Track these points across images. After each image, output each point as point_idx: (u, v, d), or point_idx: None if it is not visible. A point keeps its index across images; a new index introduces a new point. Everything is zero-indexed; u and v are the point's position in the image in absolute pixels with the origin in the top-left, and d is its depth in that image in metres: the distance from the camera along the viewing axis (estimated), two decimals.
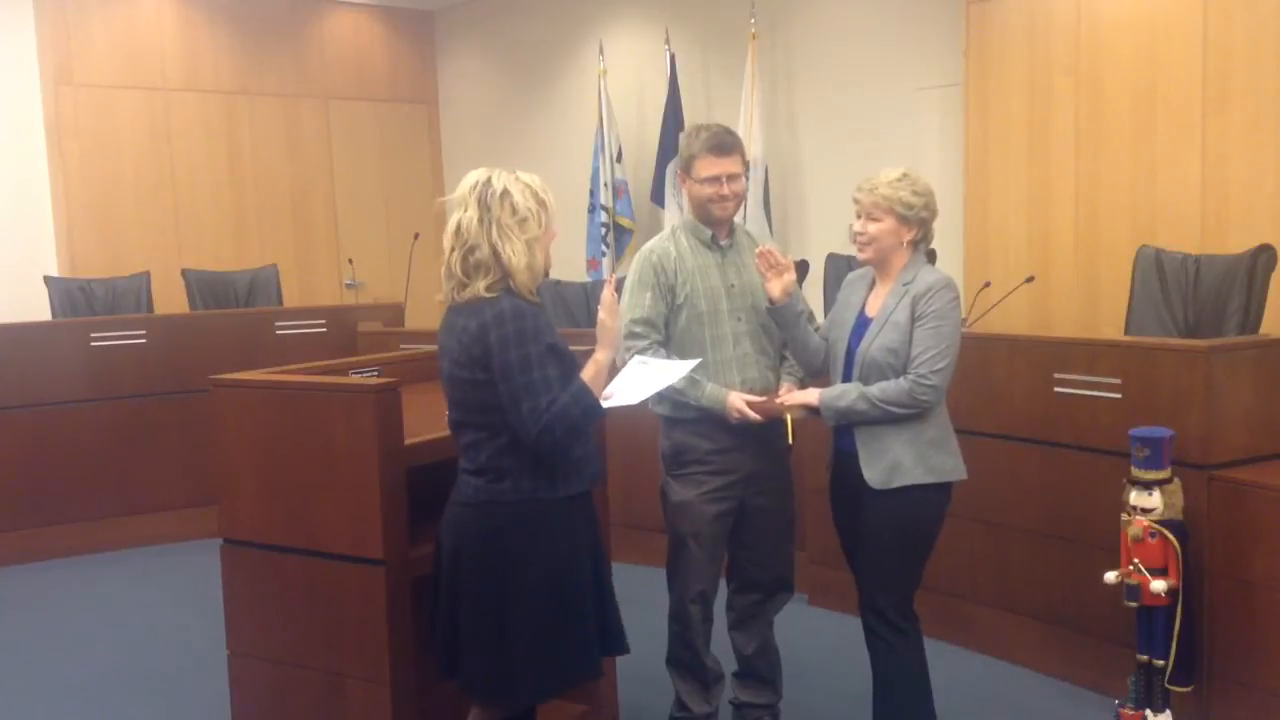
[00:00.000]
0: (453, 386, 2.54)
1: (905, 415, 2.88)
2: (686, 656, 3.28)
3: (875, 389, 2.89)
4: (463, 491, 2.58)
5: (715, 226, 3.24)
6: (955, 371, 2.94)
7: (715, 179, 3.17)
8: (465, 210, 2.49)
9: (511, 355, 2.42)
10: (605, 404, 2.58)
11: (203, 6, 7.90)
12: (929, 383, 2.86)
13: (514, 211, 2.48)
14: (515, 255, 2.47)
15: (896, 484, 2.90)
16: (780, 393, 3.15)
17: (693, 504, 3.18)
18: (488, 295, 2.47)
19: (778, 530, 3.32)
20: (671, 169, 6.46)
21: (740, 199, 3.27)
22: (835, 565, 3.55)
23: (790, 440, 3.33)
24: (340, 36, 8.60)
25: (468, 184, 2.52)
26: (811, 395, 3.01)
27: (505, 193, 2.49)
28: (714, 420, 3.12)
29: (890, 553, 2.97)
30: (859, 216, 3.01)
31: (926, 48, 6.02)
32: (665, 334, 3.19)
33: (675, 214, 6.44)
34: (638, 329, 3.15)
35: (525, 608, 2.51)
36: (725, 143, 3.18)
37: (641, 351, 3.07)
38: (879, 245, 2.98)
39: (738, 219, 3.38)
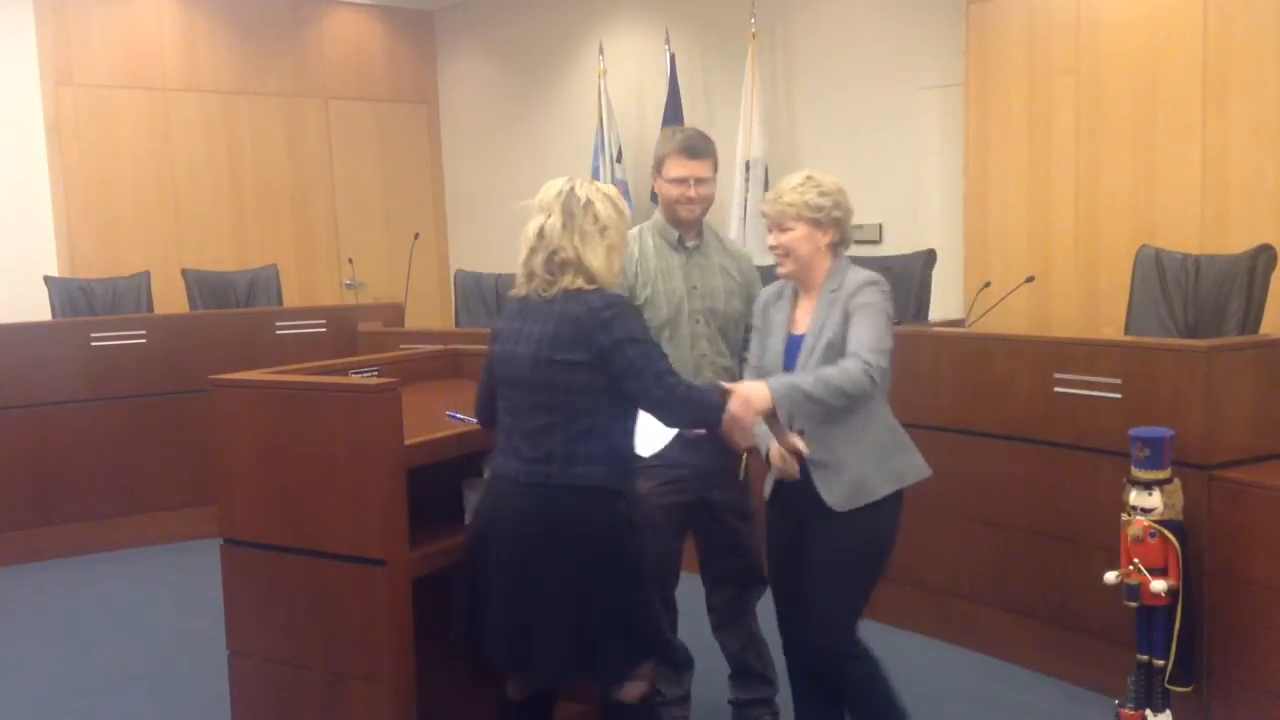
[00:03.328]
0: (535, 369, 2.60)
1: (846, 404, 2.72)
2: None
3: (825, 370, 2.75)
4: (526, 476, 2.62)
5: (682, 228, 3.29)
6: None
7: (683, 180, 3.23)
8: (549, 215, 2.64)
9: (623, 333, 2.57)
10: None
11: (203, 6, 7.90)
12: (876, 363, 2.72)
13: (596, 219, 2.64)
14: (597, 259, 2.63)
15: (863, 502, 2.82)
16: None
17: (647, 496, 3.18)
18: (586, 287, 2.61)
19: (740, 522, 3.37)
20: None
21: (707, 203, 3.31)
22: None
23: (742, 475, 3.34)
24: (340, 36, 8.60)
25: (552, 191, 2.67)
26: (758, 391, 2.74)
27: (589, 202, 2.64)
28: None
29: (853, 575, 2.88)
30: (770, 230, 2.92)
31: (926, 48, 6.02)
32: None
33: None
34: None
35: (605, 586, 2.60)
36: (697, 147, 3.25)
37: None
38: (796, 255, 2.89)
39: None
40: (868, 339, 2.75)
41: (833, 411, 2.75)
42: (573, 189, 2.66)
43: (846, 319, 2.81)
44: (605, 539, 2.62)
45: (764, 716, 3.47)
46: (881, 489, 2.84)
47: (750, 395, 2.68)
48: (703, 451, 3.18)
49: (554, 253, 2.62)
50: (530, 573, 2.59)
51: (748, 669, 3.45)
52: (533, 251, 2.65)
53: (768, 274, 3.22)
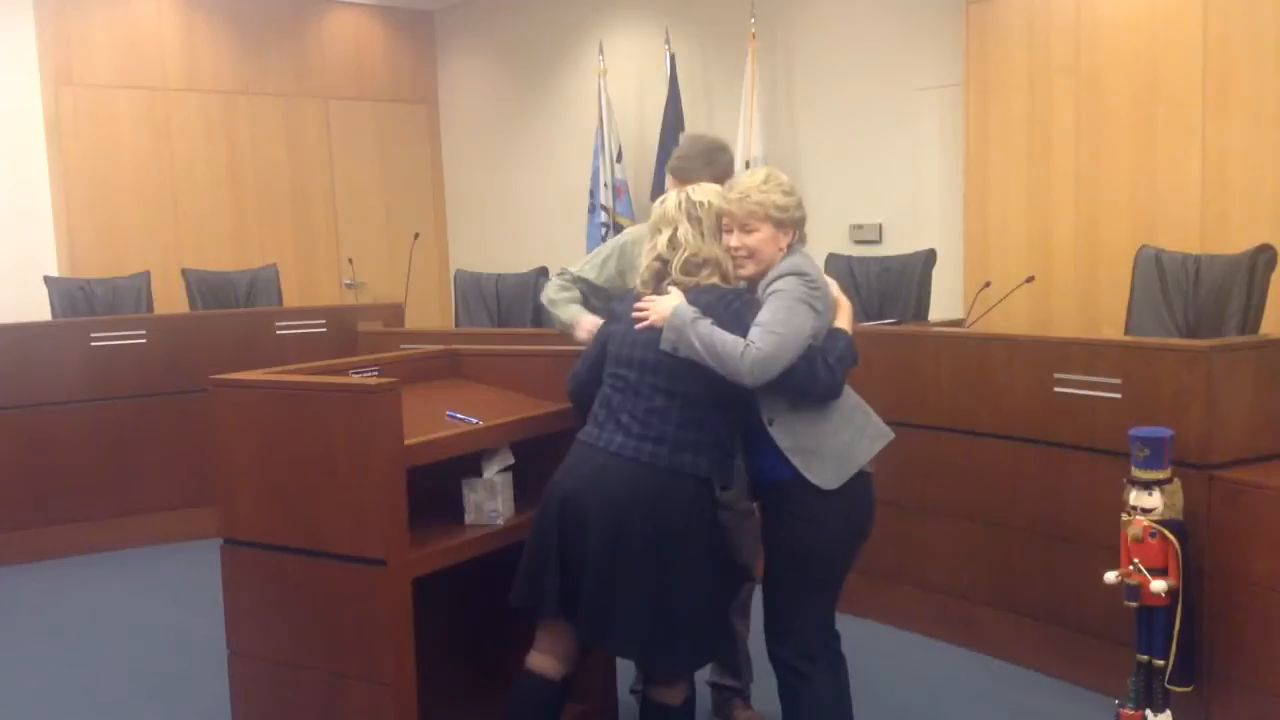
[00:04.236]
0: (660, 352, 2.69)
1: (717, 366, 2.61)
2: None
3: (716, 334, 2.62)
4: (633, 452, 2.68)
5: None
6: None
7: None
8: (678, 226, 2.81)
9: (749, 320, 2.67)
10: None
11: (203, 6, 7.90)
12: (756, 344, 2.58)
13: (717, 216, 2.81)
14: (724, 254, 2.80)
15: (849, 475, 2.73)
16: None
17: None
18: (721, 284, 2.77)
19: (733, 521, 3.32)
20: None
21: None
22: None
23: None
24: (340, 36, 8.60)
25: (672, 204, 2.85)
26: (674, 298, 2.73)
27: (709, 205, 2.81)
28: None
29: (787, 587, 2.79)
30: (730, 230, 2.79)
31: (926, 48, 6.02)
32: (587, 305, 3.42)
33: None
34: (565, 280, 3.47)
35: (694, 576, 2.67)
36: (687, 168, 3.27)
37: (551, 293, 3.46)
38: (759, 257, 2.78)
39: None
40: (761, 320, 2.63)
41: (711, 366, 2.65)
42: (687, 195, 2.83)
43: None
44: (704, 530, 2.71)
45: (736, 701, 3.56)
46: (859, 461, 2.78)
47: (662, 303, 2.73)
48: None
49: (692, 255, 2.78)
50: (624, 546, 2.64)
51: (723, 659, 3.49)
52: (662, 268, 2.81)
53: None
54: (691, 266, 2.78)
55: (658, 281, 2.83)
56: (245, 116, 8.11)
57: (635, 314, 2.80)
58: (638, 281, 2.90)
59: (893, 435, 2.89)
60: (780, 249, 2.80)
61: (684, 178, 3.21)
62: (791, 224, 2.81)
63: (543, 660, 2.84)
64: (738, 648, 3.54)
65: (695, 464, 2.70)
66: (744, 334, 2.63)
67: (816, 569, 2.81)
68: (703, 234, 2.80)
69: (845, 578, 2.90)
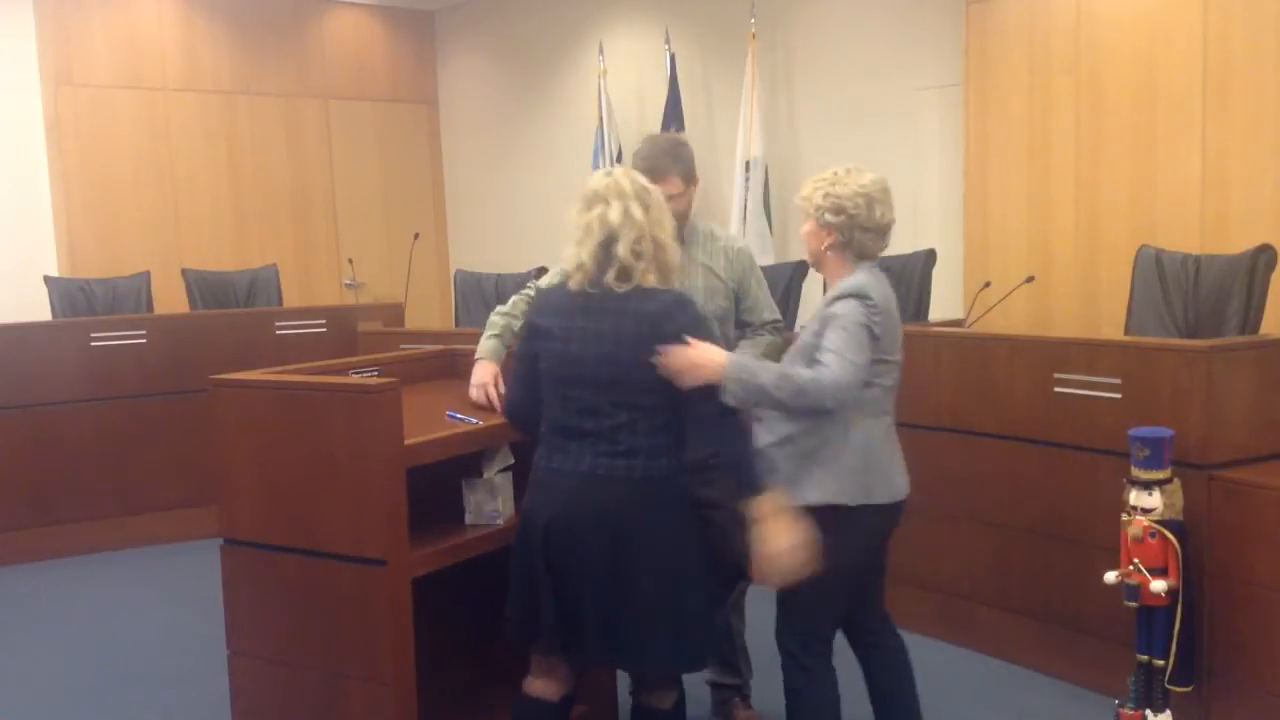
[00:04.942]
0: (614, 368, 2.58)
1: (804, 407, 2.65)
2: None
3: (784, 372, 2.68)
4: (608, 470, 2.59)
5: None
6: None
7: None
8: (629, 202, 2.60)
9: (701, 335, 2.60)
10: None
11: (203, 6, 7.90)
12: (833, 369, 2.62)
13: (662, 209, 2.67)
14: (671, 249, 2.65)
15: (812, 501, 2.72)
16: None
17: None
18: (656, 285, 2.60)
19: (726, 520, 3.31)
20: None
21: (682, 216, 3.23)
22: None
23: None
24: (340, 36, 8.60)
25: (624, 181, 2.64)
26: (717, 356, 2.62)
27: (653, 191, 2.67)
28: None
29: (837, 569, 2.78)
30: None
31: (926, 48, 6.02)
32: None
33: None
34: (526, 296, 3.33)
35: (692, 578, 2.64)
36: (658, 167, 3.16)
37: (502, 306, 3.37)
38: (808, 249, 2.90)
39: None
40: (831, 346, 2.65)
41: (788, 408, 2.68)
42: (636, 177, 2.68)
43: (820, 327, 2.73)
44: (695, 532, 2.67)
45: (735, 699, 3.56)
46: (827, 495, 2.74)
47: (701, 358, 2.59)
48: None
49: (636, 241, 2.59)
50: (623, 563, 2.59)
51: (721, 656, 3.52)
52: (607, 241, 2.59)
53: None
54: (634, 256, 2.58)
55: (600, 271, 2.59)
56: (245, 116, 8.10)
57: (661, 362, 2.56)
58: (570, 277, 2.65)
59: (891, 499, 2.82)
60: (821, 248, 2.84)
61: (656, 177, 3.11)
62: (834, 227, 2.80)
63: (542, 685, 2.80)
64: (735, 645, 3.56)
65: (671, 465, 2.63)
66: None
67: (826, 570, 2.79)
68: (653, 222, 2.63)
69: (853, 585, 2.90)
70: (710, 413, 2.61)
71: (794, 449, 2.77)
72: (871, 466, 2.79)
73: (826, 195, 2.81)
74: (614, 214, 2.60)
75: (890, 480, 2.84)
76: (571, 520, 2.62)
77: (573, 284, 2.66)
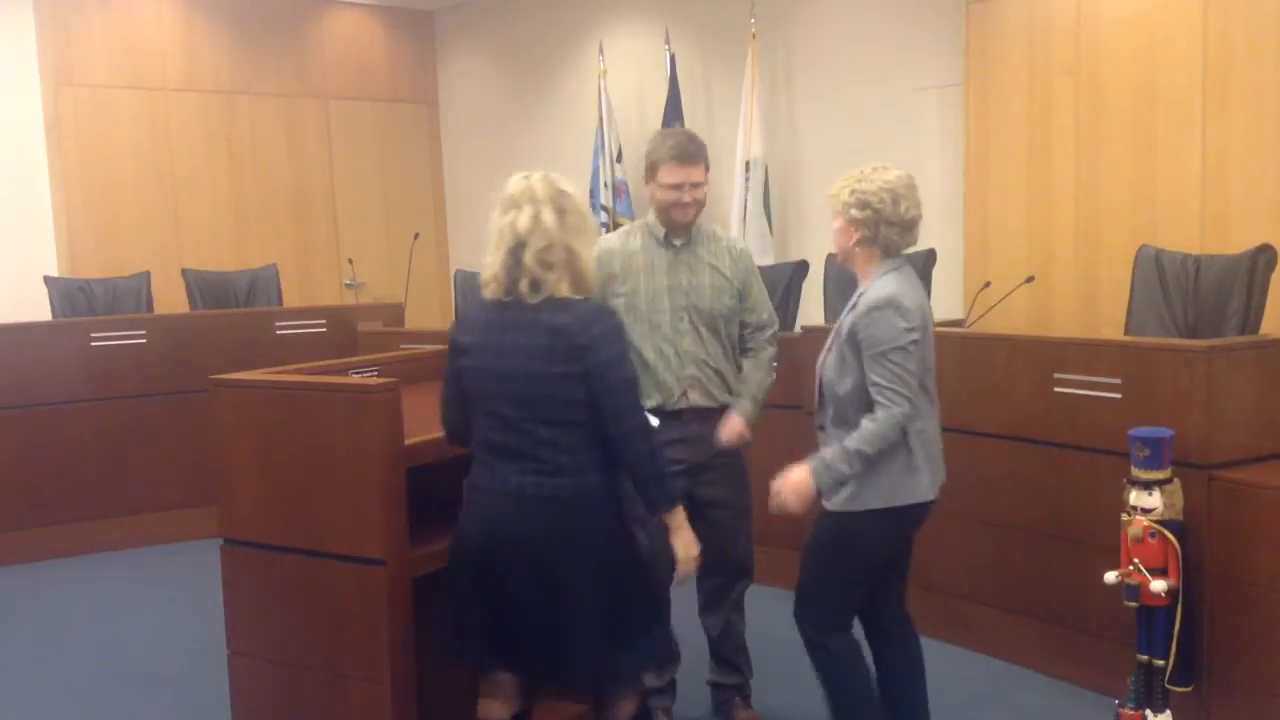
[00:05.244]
0: (532, 384, 2.52)
1: (887, 448, 2.76)
2: None
3: (853, 439, 2.76)
4: (535, 489, 2.54)
5: (673, 228, 3.34)
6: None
7: (677, 186, 3.27)
8: (540, 208, 2.52)
9: (610, 352, 2.51)
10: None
11: (203, 6, 7.90)
12: (899, 405, 2.73)
13: (582, 217, 2.57)
14: (586, 254, 2.57)
15: (848, 508, 2.83)
16: (726, 425, 3.29)
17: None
18: (570, 295, 2.52)
19: (729, 520, 3.40)
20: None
21: (701, 205, 3.34)
22: None
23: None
24: (340, 36, 8.60)
25: (539, 186, 2.56)
26: (804, 477, 2.81)
27: (574, 197, 2.57)
28: (663, 414, 3.18)
29: (819, 565, 2.94)
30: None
31: (926, 48, 6.02)
32: None
33: None
34: None
35: (629, 592, 2.61)
36: (689, 151, 3.28)
37: None
38: (837, 246, 2.96)
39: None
40: (882, 380, 2.74)
41: (875, 459, 2.77)
42: (555, 182, 2.58)
43: (855, 338, 2.79)
44: (626, 545, 2.63)
45: (735, 699, 3.57)
46: (867, 502, 2.82)
47: (792, 489, 2.78)
48: (695, 449, 3.27)
49: (546, 250, 2.51)
50: (555, 585, 2.54)
51: (720, 655, 3.57)
52: (516, 248, 2.53)
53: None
54: (545, 264, 2.51)
55: (512, 280, 2.53)
56: (245, 116, 8.10)
57: (773, 507, 2.73)
58: (486, 287, 2.60)
59: (919, 500, 2.87)
60: (849, 245, 2.89)
61: (692, 162, 3.29)
62: (859, 223, 2.86)
63: (491, 706, 2.77)
64: (737, 644, 3.56)
65: (600, 481, 2.57)
66: (612, 364, 2.52)
67: (840, 556, 2.90)
68: (566, 227, 2.54)
69: (876, 577, 2.96)
70: (630, 428, 2.54)
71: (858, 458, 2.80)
72: (909, 466, 2.86)
73: (853, 192, 2.87)
74: (523, 220, 2.53)
75: (919, 479, 2.88)
76: (500, 544, 2.57)
77: (487, 293, 2.60)
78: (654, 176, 3.31)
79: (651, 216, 3.39)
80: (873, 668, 3.05)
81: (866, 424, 2.76)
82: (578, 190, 2.63)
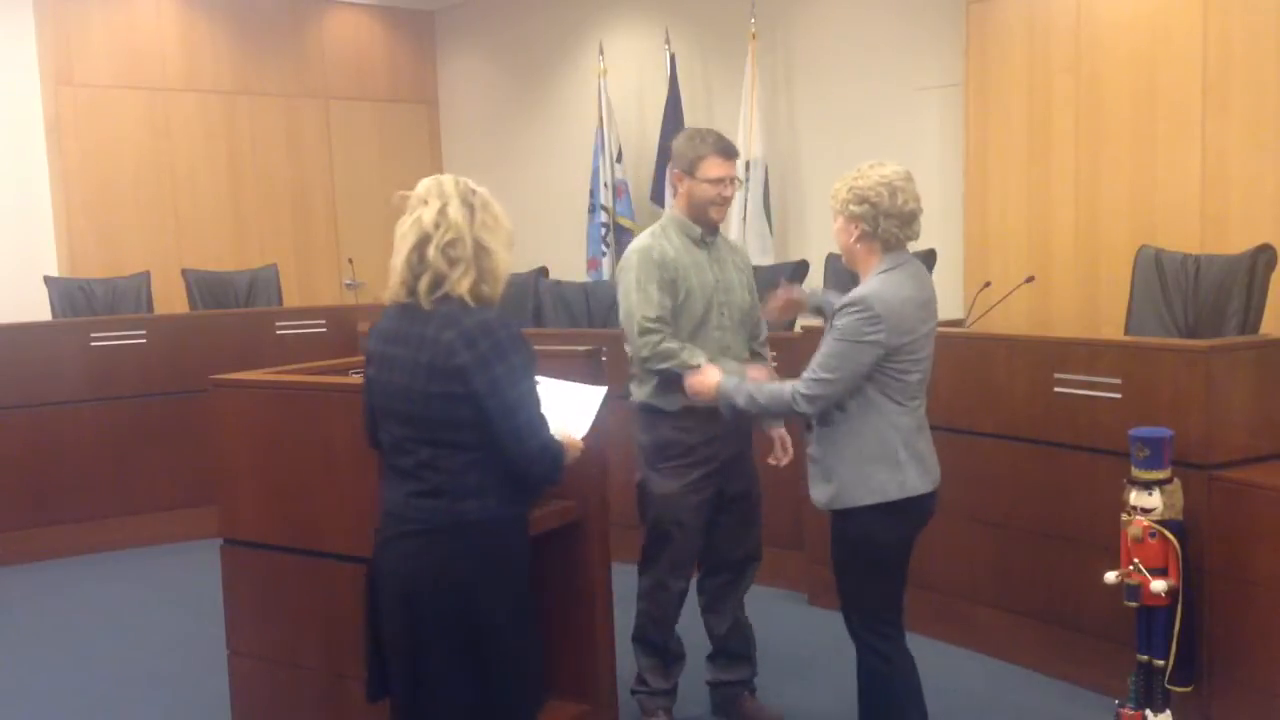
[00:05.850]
0: (411, 402, 2.33)
1: (786, 416, 2.88)
2: (655, 635, 3.46)
3: (763, 392, 2.88)
4: (414, 511, 2.36)
5: (707, 226, 3.37)
6: (930, 377, 2.90)
7: (721, 180, 3.31)
8: (447, 202, 2.34)
9: (503, 367, 2.29)
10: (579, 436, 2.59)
11: (203, 6, 7.90)
12: (803, 391, 2.76)
13: (497, 219, 2.39)
14: (498, 253, 2.36)
15: (839, 506, 2.84)
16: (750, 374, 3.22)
17: (676, 495, 3.32)
18: (465, 301, 2.31)
19: (747, 510, 3.48)
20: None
21: (730, 202, 3.44)
22: None
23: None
24: (340, 36, 8.60)
25: (448, 182, 2.38)
26: (713, 376, 3.00)
27: (488, 201, 2.40)
28: (698, 414, 3.21)
29: (844, 570, 2.93)
30: None
31: (926, 48, 6.02)
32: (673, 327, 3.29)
33: None
34: (652, 324, 3.24)
35: (504, 632, 2.38)
36: (730, 148, 3.36)
37: (657, 345, 3.21)
38: (840, 245, 2.97)
39: (732, 221, 3.47)
40: (816, 361, 2.78)
41: (777, 416, 2.88)
42: (467, 182, 2.40)
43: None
44: (505, 575, 2.39)
45: (744, 693, 3.58)
46: (858, 497, 2.81)
47: (701, 382, 3.00)
48: (727, 444, 3.32)
49: (452, 244, 2.31)
50: (418, 627, 2.35)
51: (729, 651, 3.57)
52: (425, 242, 2.32)
53: (763, 273, 3.23)
54: (449, 260, 2.31)
55: (413, 277, 2.33)
56: (245, 116, 8.10)
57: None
58: (391, 290, 2.40)
59: (910, 494, 2.83)
60: (851, 241, 2.90)
61: (733, 157, 3.37)
62: (857, 219, 2.87)
63: None
64: (746, 635, 3.58)
65: (482, 506, 2.33)
66: (500, 383, 2.29)
67: (851, 556, 2.91)
68: (474, 222, 2.34)
69: (887, 579, 2.93)
70: (533, 448, 2.34)
71: (834, 449, 2.83)
72: (890, 458, 2.83)
73: (851, 189, 2.88)
74: (429, 214, 2.34)
75: (907, 473, 2.85)
76: (377, 577, 2.44)
77: (387, 296, 2.40)
78: (693, 173, 3.30)
79: (677, 215, 3.39)
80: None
81: (780, 384, 2.85)
82: (494, 200, 2.43)
